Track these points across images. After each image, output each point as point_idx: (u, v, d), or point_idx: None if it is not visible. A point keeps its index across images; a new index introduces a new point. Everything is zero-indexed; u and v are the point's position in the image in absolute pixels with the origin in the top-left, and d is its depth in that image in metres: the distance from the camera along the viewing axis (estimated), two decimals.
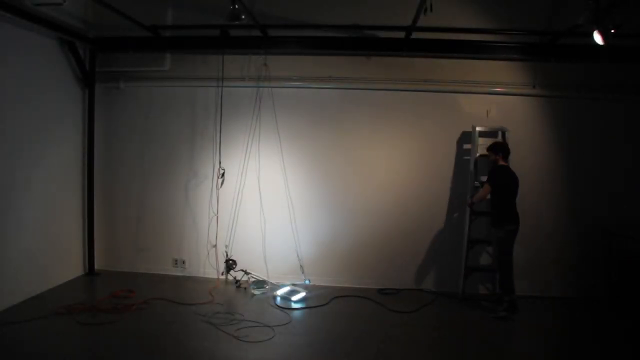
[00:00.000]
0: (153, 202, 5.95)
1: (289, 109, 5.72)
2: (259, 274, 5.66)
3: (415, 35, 5.21)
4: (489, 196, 5.01)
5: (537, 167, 5.54)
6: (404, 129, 5.67)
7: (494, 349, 4.11)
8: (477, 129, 5.39)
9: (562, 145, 5.53)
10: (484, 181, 5.19)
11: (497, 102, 5.56)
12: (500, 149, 5.07)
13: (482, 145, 5.36)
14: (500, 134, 5.44)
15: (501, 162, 5.02)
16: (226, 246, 5.77)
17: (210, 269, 5.83)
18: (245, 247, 5.76)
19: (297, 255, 5.70)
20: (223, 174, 5.67)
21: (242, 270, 5.64)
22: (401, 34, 5.26)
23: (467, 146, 5.60)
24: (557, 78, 5.45)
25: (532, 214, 5.52)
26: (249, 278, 5.62)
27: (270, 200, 5.76)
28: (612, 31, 4.14)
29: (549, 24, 5.33)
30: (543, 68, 5.46)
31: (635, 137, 5.44)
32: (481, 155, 5.37)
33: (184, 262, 5.94)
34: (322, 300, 5.16)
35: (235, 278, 5.64)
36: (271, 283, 5.52)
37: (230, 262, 5.66)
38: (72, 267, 5.62)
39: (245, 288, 5.47)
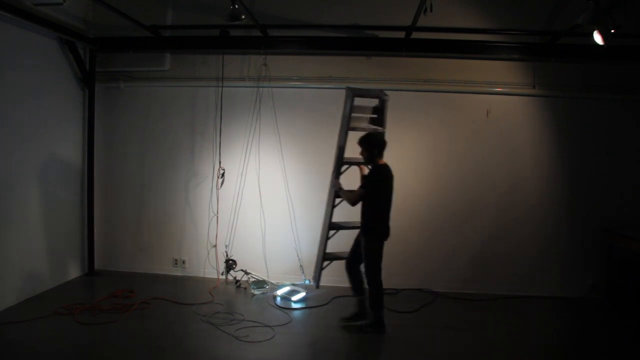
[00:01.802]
0: (153, 202, 5.95)
1: (289, 109, 5.72)
2: (259, 274, 5.66)
3: (415, 35, 5.21)
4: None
5: (538, 167, 5.54)
6: (404, 129, 5.66)
7: (494, 349, 4.11)
8: (351, 92, 4.49)
9: (562, 145, 5.53)
10: (348, 161, 4.55)
11: (497, 102, 5.55)
12: (374, 143, 4.17)
13: (356, 117, 4.59)
14: (379, 102, 4.68)
15: (380, 161, 4.25)
16: (226, 246, 5.77)
17: (210, 269, 5.83)
18: (245, 247, 5.76)
19: (297, 255, 5.70)
20: (223, 174, 5.67)
21: (242, 270, 5.64)
22: (401, 34, 5.26)
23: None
24: (557, 78, 5.45)
25: (533, 214, 5.54)
26: (249, 278, 5.62)
27: (270, 200, 5.76)
28: (612, 31, 4.16)
29: (549, 24, 5.34)
30: (543, 68, 5.46)
31: (636, 137, 5.44)
32: (353, 128, 4.54)
33: (184, 262, 5.94)
34: (322, 300, 5.16)
35: (235, 278, 5.64)
36: (271, 283, 5.52)
37: (230, 262, 5.66)
38: (72, 267, 5.62)
39: (245, 288, 5.47)
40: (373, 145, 4.20)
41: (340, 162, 4.58)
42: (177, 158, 5.92)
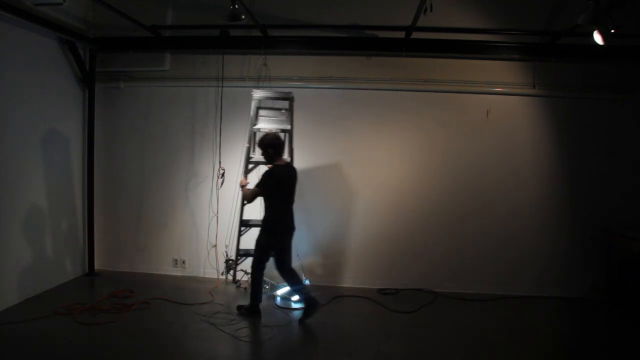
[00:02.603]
0: (153, 202, 5.95)
1: None
2: None
3: (415, 35, 5.21)
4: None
5: (538, 167, 5.54)
6: (404, 129, 5.67)
7: (494, 349, 4.11)
8: (255, 95, 5.01)
9: (562, 145, 5.53)
10: (253, 159, 4.90)
11: (497, 102, 5.55)
12: (267, 144, 4.34)
13: (264, 118, 4.93)
14: (289, 104, 5.08)
15: (279, 161, 4.41)
16: (226, 246, 5.77)
17: (210, 269, 5.83)
18: (245, 247, 5.74)
19: (297, 255, 5.69)
20: (223, 174, 5.67)
21: (242, 270, 5.64)
22: (401, 34, 5.27)
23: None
24: (557, 78, 5.46)
25: (533, 214, 5.54)
26: (249, 278, 5.62)
27: None
28: (612, 31, 4.16)
29: (549, 24, 5.34)
30: (543, 68, 5.46)
31: (636, 137, 5.44)
32: (257, 129, 4.93)
33: (184, 262, 5.94)
34: (322, 300, 5.14)
35: (235, 278, 5.64)
36: (271, 283, 5.52)
37: (230, 262, 5.66)
38: (72, 267, 5.62)
39: (245, 288, 5.47)
40: (266, 145, 4.38)
41: (247, 162, 4.99)
42: (177, 158, 5.92)
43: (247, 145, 4.92)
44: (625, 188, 5.44)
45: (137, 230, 5.99)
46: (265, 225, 4.48)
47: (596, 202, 5.48)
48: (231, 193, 5.79)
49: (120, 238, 6.03)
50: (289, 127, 5.05)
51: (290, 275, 4.61)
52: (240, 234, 5.23)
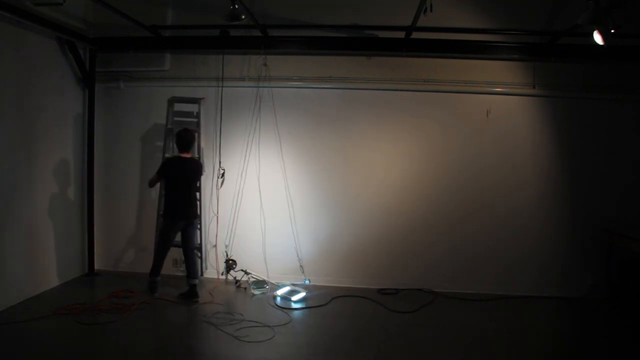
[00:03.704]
0: (153, 202, 5.94)
1: (289, 109, 5.72)
2: (259, 274, 5.66)
3: (415, 35, 5.21)
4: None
5: (538, 167, 5.54)
6: (404, 129, 5.67)
7: (494, 349, 4.11)
8: (168, 98, 5.57)
9: (563, 145, 5.53)
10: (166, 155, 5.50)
11: (497, 102, 5.56)
12: (174, 140, 5.16)
13: (176, 119, 5.56)
14: (198, 106, 5.60)
15: (182, 155, 5.03)
16: (226, 246, 5.77)
17: (210, 269, 5.83)
18: (245, 247, 5.76)
19: (297, 255, 5.70)
20: (223, 174, 5.67)
21: (242, 270, 5.64)
22: (401, 34, 5.27)
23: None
24: (557, 78, 5.45)
25: (533, 214, 5.54)
26: (249, 278, 5.63)
27: (270, 200, 5.76)
28: (612, 31, 4.16)
29: (549, 24, 5.34)
30: (543, 68, 5.46)
31: (636, 137, 5.44)
32: (170, 128, 5.54)
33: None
34: (322, 300, 5.16)
35: (235, 278, 5.64)
36: (271, 283, 5.52)
37: (230, 262, 5.66)
38: (72, 267, 5.62)
39: (245, 288, 5.47)
40: (173, 139, 5.20)
41: (163, 156, 5.55)
42: None
43: (163, 142, 5.58)
44: (625, 188, 5.43)
45: (137, 230, 5.99)
46: (164, 209, 5.15)
47: (596, 202, 5.48)
48: (231, 193, 5.79)
49: (120, 238, 6.03)
50: (197, 128, 5.55)
51: (188, 258, 5.15)
52: (159, 226, 5.50)
